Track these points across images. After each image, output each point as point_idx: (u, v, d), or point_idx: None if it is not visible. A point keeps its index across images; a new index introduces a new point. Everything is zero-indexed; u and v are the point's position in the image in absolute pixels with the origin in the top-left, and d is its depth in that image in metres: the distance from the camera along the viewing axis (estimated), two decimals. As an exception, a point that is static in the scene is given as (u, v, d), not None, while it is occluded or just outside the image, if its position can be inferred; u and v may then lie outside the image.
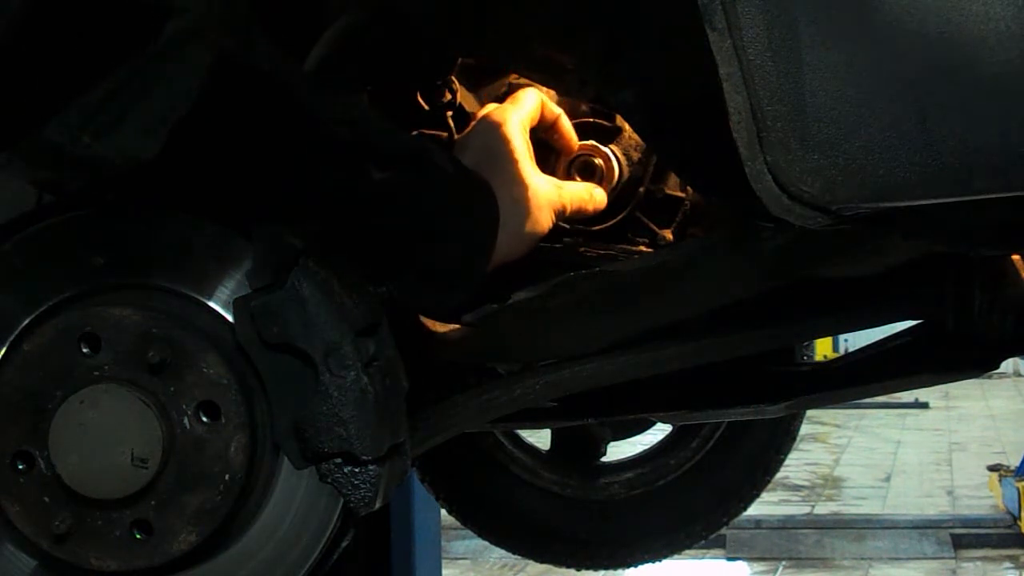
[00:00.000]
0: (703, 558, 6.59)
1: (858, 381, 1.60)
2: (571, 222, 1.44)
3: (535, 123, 1.43)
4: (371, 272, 1.16)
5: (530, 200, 1.34)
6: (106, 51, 0.97)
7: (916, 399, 12.46)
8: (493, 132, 1.38)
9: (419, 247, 1.22)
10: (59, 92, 0.96)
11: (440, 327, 1.32)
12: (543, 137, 1.46)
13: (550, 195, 1.37)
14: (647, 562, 2.10)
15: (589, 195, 1.43)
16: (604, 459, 2.06)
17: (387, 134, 1.24)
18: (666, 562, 2.16)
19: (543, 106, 1.44)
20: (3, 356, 1.07)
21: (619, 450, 2.08)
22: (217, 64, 1.02)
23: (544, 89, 1.48)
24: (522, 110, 1.41)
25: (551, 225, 1.37)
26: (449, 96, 1.48)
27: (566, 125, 1.47)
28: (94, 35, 0.96)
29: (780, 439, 2.03)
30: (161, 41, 0.97)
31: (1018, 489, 6.93)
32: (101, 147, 0.99)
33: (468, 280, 1.28)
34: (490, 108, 1.45)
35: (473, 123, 1.43)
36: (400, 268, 1.19)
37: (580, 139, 1.49)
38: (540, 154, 1.43)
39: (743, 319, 1.44)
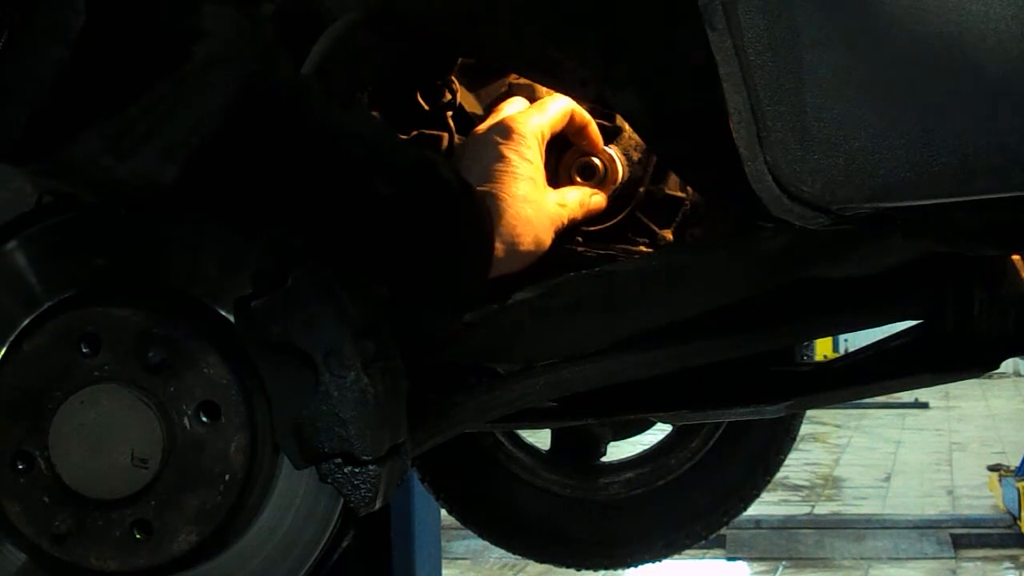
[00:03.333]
0: (703, 558, 6.59)
1: (858, 381, 1.60)
2: (573, 230, 1.44)
3: (557, 130, 1.43)
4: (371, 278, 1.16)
5: (533, 220, 1.34)
6: (139, 73, 0.98)
7: (916, 399, 12.46)
8: (507, 143, 1.37)
9: (416, 265, 1.22)
10: (89, 112, 0.97)
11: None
12: (571, 140, 1.46)
13: (553, 213, 1.38)
14: (647, 562, 2.10)
15: (588, 202, 1.44)
16: (604, 459, 2.06)
17: (395, 148, 1.24)
18: (666, 562, 2.16)
19: (572, 113, 1.44)
20: (3, 356, 1.07)
21: (619, 450, 2.08)
22: (242, 88, 1.03)
23: (544, 90, 1.48)
24: (543, 117, 1.41)
25: (550, 242, 1.37)
26: (449, 96, 1.48)
27: (594, 131, 1.46)
28: (129, 57, 0.97)
29: (780, 439, 2.03)
30: (191, 65, 0.99)
31: (1018, 489, 6.93)
32: (121, 169, 1.00)
33: (465, 299, 1.28)
34: (511, 108, 1.45)
35: (492, 120, 1.43)
36: (398, 286, 1.19)
37: None
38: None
39: (743, 319, 1.45)
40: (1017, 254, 1.45)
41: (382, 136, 1.24)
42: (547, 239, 1.37)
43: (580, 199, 1.43)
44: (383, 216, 1.18)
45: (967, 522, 7.14)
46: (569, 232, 1.44)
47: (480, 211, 1.29)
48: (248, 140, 1.09)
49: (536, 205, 1.35)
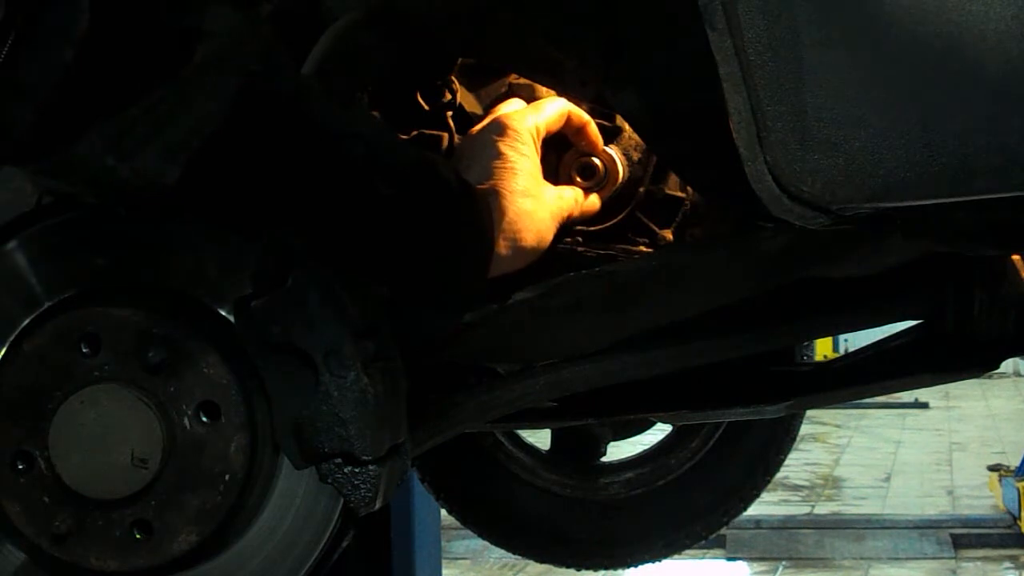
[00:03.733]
0: (703, 558, 6.59)
1: (858, 381, 1.60)
2: (568, 228, 1.45)
3: (553, 130, 1.43)
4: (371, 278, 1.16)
5: (534, 215, 1.34)
6: (140, 73, 0.98)
7: (916, 399, 12.46)
8: (503, 140, 1.37)
9: (416, 265, 1.22)
10: (92, 112, 0.97)
11: None
12: (570, 141, 1.46)
13: (554, 208, 1.38)
14: (647, 562, 2.10)
15: (583, 202, 1.44)
16: (604, 459, 2.06)
17: (395, 148, 1.24)
18: (666, 562, 2.16)
19: (569, 114, 1.44)
20: (3, 356, 1.07)
21: (619, 450, 2.08)
22: (242, 88, 1.04)
23: (544, 89, 1.48)
24: (540, 116, 1.41)
25: (552, 237, 1.37)
26: (449, 96, 1.48)
27: (593, 132, 1.46)
28: (131, 57, 0.97)
29: (780, 439, 2.03)
30: (191, 65, 0.99)
31: (1018, 489, 6.93)
32: (123, 170, 1.00)
33: (465, 298, 1.28)
34: (507, 108, 1.45)
35: (487, 120, 1.43)
36: (398, 285, 1.19)
37: None
38: (541, 156, 1.43)
39: (743, 319, 1.45)
40: (1017, 254, 1.45)
41: (382, 136, 1.24)
42: (549, 234, 1.37)
43: (575, 196, 1.43)
44: (383, 216, 1.18)
45: (967, 522, 7.14)
46: (565, 231, 1.44)
47: (480, 211, 1.29)
48: (249, 140, 1.09)
49: (536, 200, 1.35)
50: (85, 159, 0.99)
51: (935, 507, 7.71)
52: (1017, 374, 15.23)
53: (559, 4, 1.27)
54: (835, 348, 10.82)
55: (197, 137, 1.03)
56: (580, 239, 1.47)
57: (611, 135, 1.49)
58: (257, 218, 1.09)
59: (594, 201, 1.45)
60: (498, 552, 3.92)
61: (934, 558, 6.66)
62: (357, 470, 1.06)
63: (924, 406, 12.53)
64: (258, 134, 1.09)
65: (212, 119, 1.03)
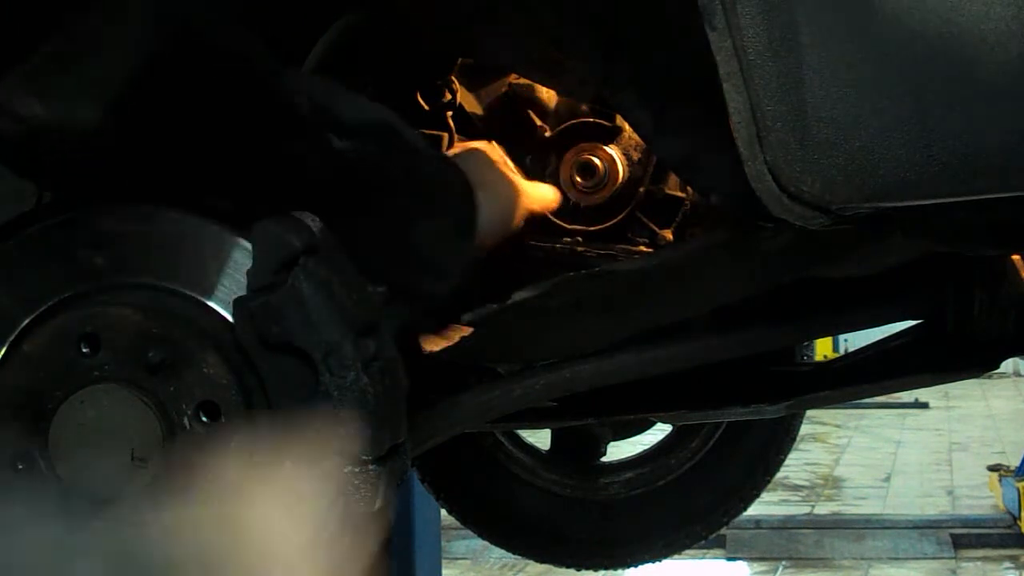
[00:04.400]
0: (703, 558, 6.59)
1: (858, 381, 1.60)
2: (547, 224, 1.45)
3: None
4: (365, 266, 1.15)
5: (502, 195, 1.34)
6: (47, 11, 0.96)
7: (916, 399, 12.45)
8: (472, 146, 1.38)
9: (396, 221, 1.21)
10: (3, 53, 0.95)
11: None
12: None
13: (523, 194, 1.38)
14: (647, 562, 2.10)
15: (550, 195, 1.44)
16: (604, 459, 2.06)
17: (347, 104, 1.22)
18: (666, 562, 2.16)
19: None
20: (3, 356, 1.07)
21: (619, 450, 2.08)
22: (171, 34, 1.01)
23: (544, 89, 1.48)
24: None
25: (519, 223, 1.37)
26: (449, 96, 1.49)
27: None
28: None
29: (780, 439, 2.03)
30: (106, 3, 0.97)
31: (1018, 489, 6.92)
32: (42, 110, 0.98)
33: (457, 261, 1.27)
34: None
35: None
36: (381, 246, 1.18)
37: (580, 139, 1.50)
38: (541, 156, 1.43)
39: (743, 319, 1.45)
40: (1017, 254, 1.45)
41: (331, 92, 1.21)
42: (514, 217, 1.36)
43: (542, 190, 1.44)
44: (342, 167, 1.16)
45: (967, 522, 7.13)
46: (574, 227, 1.44)
47: (457, 171, 1.27)
48: (183, 92, 1.06)
49: (502, 183, 1.35)
50: (3, 99, 0.97)
51: (935, 507, 7.70)
52: (1017, 374, 15.21)
53: (559, 4, 1.27)
54: (835, 348, 10.80)
55: (114, 77, 1.00)
56: (580, 239, 1.47)
57: (611, 135, 1.49)
58: (205, 181, 1.07)
59: (548, 194, 1.45)
60: (498, 552, 3.92)
61: (934, 558, 6.66)
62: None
63: (924, 406, 12.52)
64: (193, 86, 1.07)
65: (131, 58, 1.00)
